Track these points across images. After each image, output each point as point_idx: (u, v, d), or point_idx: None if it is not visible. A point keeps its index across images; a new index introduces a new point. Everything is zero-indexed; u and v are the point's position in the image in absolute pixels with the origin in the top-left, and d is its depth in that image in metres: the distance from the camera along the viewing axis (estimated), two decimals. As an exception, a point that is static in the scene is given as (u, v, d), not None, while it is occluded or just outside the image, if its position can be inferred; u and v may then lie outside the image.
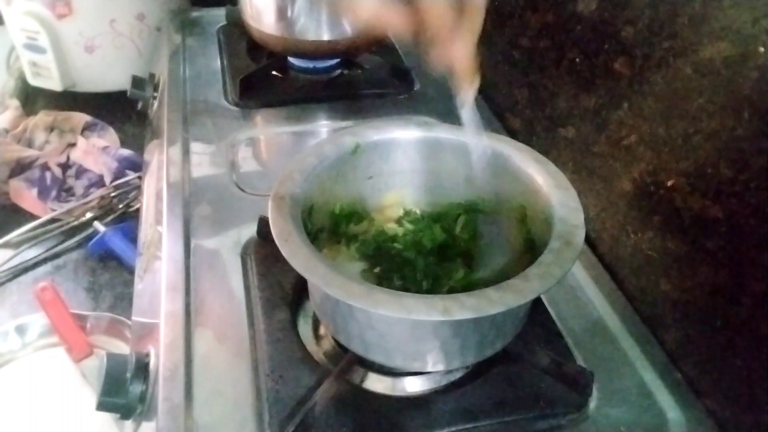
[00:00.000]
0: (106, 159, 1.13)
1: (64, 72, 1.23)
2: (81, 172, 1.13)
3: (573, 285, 0.61)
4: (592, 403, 0.50)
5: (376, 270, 0.54)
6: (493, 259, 0.55)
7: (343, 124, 0.82)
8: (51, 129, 1.18)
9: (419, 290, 0.52)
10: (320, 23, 0.84)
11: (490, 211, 0.56)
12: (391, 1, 0.43)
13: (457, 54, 0.45)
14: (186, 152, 0.76)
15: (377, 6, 0.43)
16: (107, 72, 1.25)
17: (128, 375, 0.52)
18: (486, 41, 0.87)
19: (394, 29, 0.44)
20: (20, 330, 0.87)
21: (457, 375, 0.52)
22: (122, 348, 0.85)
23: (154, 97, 0.97)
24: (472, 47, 0.46)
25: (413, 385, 0.51)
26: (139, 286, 0.72)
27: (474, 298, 0.40)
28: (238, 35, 0.98)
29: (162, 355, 0.52)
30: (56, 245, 1.03)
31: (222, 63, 0.95)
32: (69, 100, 1.26)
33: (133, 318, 0.69)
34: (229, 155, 0.76)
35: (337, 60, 0.92)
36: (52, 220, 1.06)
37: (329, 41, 0.85)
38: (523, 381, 0.50)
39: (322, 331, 0.55)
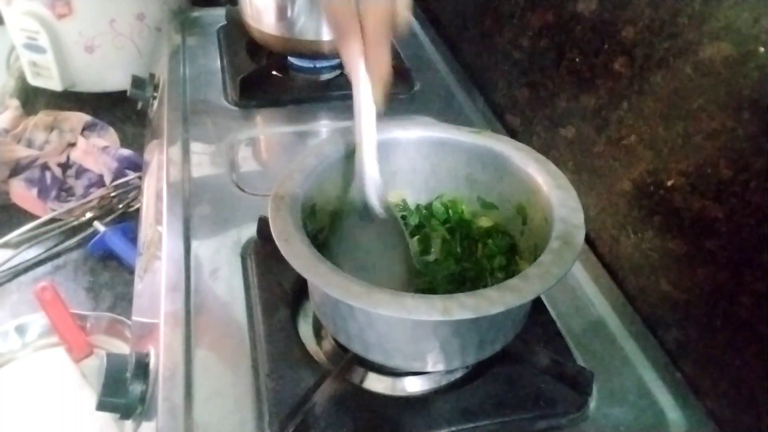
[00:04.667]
0: (106, 159, 1.13)
1: (64, 72, 1.23)
2: (81, 172, 1.13)
3: (573, 285, 0.61)
4: (592, 403, 0.50)
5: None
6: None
7: (343, 124, 0.82)
8: (51, 129, 1.18)
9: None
10: (320, 23, 0.84)
11: (490, 211, 0.57)
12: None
13: (378, 65, 0.43)
14: (186, 152, 0.76)
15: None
16: (107, 72, 1.25)
17: (128, 375, 0.52)
18: (486, 41, 0.87)
19: (334, 11, 0.42)
20: (20, 330, 0.87)
21: (457, 375, 0.52)
22: (122, 348, 0.85)
23: (154, 97, 0.97)
24: (389, 60, 0.43)
25: (413, 385, 0.51)
26: (139, 286, 0.72)
27: (474, 298, 0.40)
28: (238, 35, 0.98)
29: (162, 355, 0.52)
30: (56, 245, 1.03)
31: (222, 63, 0.95)
32: (69, 100, 1.26)
33: (133, 318, 0.69)
34: (229, 155, 0.76)
35: (337, 60, 0.92)
36: (52, 220, 1.06)
37: (329, 41, 0.85)
38: (523, 381, 0.50)
39: (322, 331, 0.55)
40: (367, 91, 0.44)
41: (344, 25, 0.42)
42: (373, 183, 0.48)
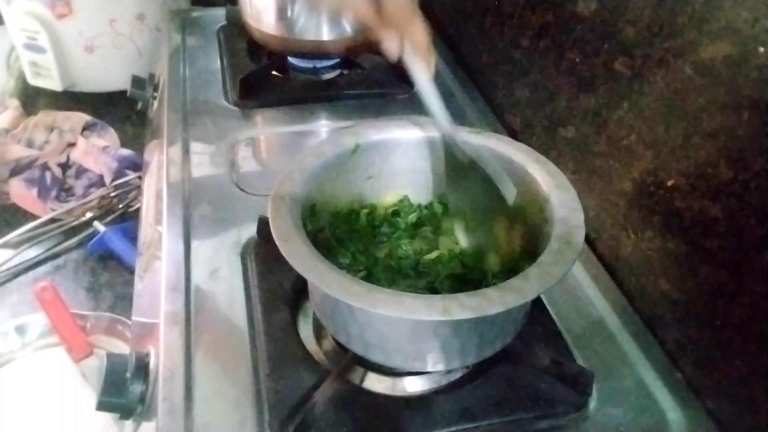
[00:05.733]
0: (106, 159, 1.13)
1: (64, 72, 1.23)
2: (81, 172, 1.13)
3: (573, 285, 0.61)
4: (592, 403, 0.50)
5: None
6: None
7: (343, 124, 0.82)
8: (51, 129, 1.18)
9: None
10: (320, 23, 0.84)
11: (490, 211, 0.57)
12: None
13: (415, 37, 0.49)
14: (186, 152, 0.76)
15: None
16: (107, 72, 1.25)
17: (128, 375, 0.52)
18: (486, 41, 0.87)
19: (356, 14, 0.49)
20: (20, 330, 0.87)
21: (457, 375, 0.52)
22: (122, 348, 0.85)
23: (154, 97, 0.97)
24: (425, 30, 0.50)
25: (413, 385, 0.51)
26: (139, 286, 0.72)
27: (474, 298, 0.40)
28: (238, 35, 0.98)
29: (162, 355, 0.52)
30: (56, 245, 1.03)
31: (222, 63, 0.95)
32: (69, 100, 1.26)
33: (133, 318, 0.69)
34: (229, 155, 0.76)
35: (337, 60, 0.92)
36: (52, 220, 1.06)
37: (329, 41, 0.85)
38: (523, 381, 0.50)
39: (322, 331, 0.55)
40: (417, 65, 0.51)
41: (373, 23, 0.49)
42: (452, 131, 0.53)
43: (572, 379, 0.50)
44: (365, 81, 0.91)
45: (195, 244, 0.63)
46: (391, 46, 0.49)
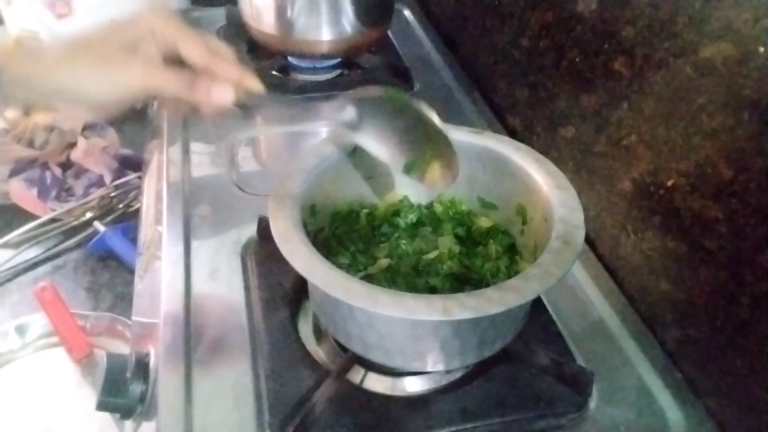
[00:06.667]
0: (106, 159, 1.13)
1: (64, 72, 1.23)
2: (81, 172, 1.13)
3: (573, 285, 0.61)
4: (592, 403, 0.50)
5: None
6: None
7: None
8: (51, 129, 1.18)
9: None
10: (320, 23, 0.84)
11: (490, 211, 0.57)
12: (160, 66, 0.42)
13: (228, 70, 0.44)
14: (186, 152, 0.76)
15: (147, 71, 0.42)
16: (107, 72, 1.25)
17: (128, 375, 0.52)
18: (486, 41, 0.87)
19: (168, 92, 0.43)
20: (20, 330, 0.87)
21: (457, 375, 0.52)
22: (122, 348, 0.85)
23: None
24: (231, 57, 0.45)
25: (413, 385, 0.51)
26: (139, 286, 0.72)
27: (474, 298, 0.40)
28: (238, 35, 0.98)
29: (162, 355, 0.52)
30: (56, 245, 1.03)
31: (222, 63, 0.95)
32: (69, 100, 1.26)
33: (133, 318, 0.69)
34: (229, 155, 0.76)
35: (337, 60, 0.92)
36: (52, 220, 1.06)
37: (329, 41, 0.85)
38: (523, 381, 0.50)
39: (322, 331, 0.55)
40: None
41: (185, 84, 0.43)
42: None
43: (572, 379, 0.50)
44: (365, 81, 0.91)
45: (195, 244, 0.63)
46: (222, 94, 0.42)
